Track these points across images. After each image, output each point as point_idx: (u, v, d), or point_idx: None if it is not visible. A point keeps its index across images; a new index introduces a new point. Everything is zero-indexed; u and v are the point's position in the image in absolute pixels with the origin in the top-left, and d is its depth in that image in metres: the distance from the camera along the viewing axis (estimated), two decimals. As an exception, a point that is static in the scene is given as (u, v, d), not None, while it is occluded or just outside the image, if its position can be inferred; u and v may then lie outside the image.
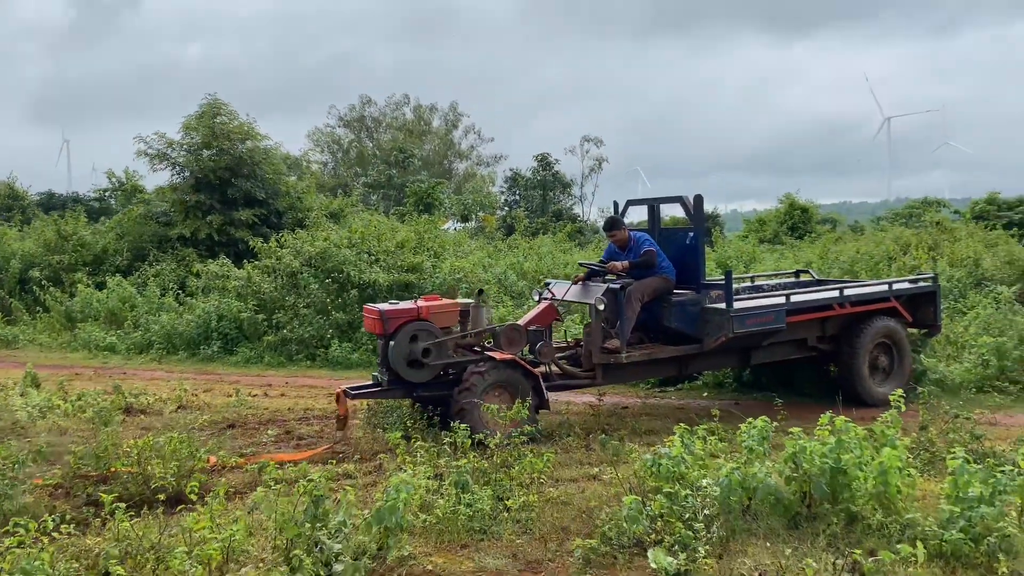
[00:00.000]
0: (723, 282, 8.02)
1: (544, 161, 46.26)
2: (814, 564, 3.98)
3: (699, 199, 8.18)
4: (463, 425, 6.01)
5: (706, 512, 4.59)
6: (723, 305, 7.85)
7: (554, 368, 7.87)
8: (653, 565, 4.11)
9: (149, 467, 5.85)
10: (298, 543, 4.25)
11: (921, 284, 9.28)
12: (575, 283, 8.31)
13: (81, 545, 4.59)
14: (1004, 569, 3.97)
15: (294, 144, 69.60)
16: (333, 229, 16.12)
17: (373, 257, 14.13)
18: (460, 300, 8.09)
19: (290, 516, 4.36)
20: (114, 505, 4.55)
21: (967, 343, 9.90)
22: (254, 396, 10.03)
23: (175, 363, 13.42)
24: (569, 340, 8.85)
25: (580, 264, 8.86)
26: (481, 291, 8.46)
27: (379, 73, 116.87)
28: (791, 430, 4.92)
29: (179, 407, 9.28)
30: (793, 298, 8.33)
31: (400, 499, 4.51)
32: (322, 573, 4.13)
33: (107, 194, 30.46)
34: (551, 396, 7.64)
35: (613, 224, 8.42)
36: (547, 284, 8.66)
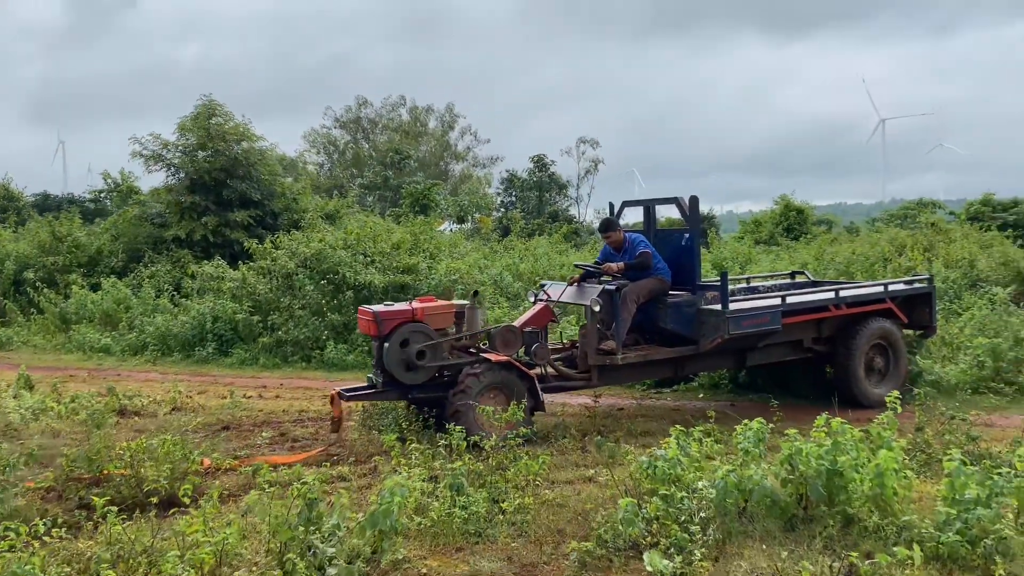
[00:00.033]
0: (719, 283, 8.01)
1: (540, 162, 46.29)
2: (810, 567, 3.96)
3: (694, 200, 8.17)
4: (458, 427, 5.99)
5: (702, 514, 4.58)
6: (719, 306, 7.84)
7: (550, 370, 7.85)
8: (649, 568, 4.08)
9: (142, 470, 5.82)
10: (291, 547, 4.22)
11: (916, 285, 9.29)
12: (571, 284, 8.30)
13: (73, 549, 4.56)
14: (1001, 572, 3.96)
15: (290, 145, 69.41)
16: (329, 230, 16.09)
17: (369, 258, 14.09)
18: (455, 301, 8.07)
19: (283, 519, 4.33)
20: (106, 508, 4.52)
21: (962, 344, 9.90)
22: (249, 398, 10.00)
23: (170, 365, 13.37)
24: (565, 341, 8.84)
25: (576, 265, 8.85)
26: (476, 292, 8.44)
27: (376, 74, 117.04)
28: (787, 432, 4.91)
29: (173, 409, 9.24)
30: (789, 299, 8.33)
31: (394, 502, 4.48)
32: (315, 577, 4.10)
33: (103, 195, 30.41)
34: (547, 398, 7.62)
35: (608, 226, 8.41)
36: (543, 285, 8.64)
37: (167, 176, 20.32)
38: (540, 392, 7.38)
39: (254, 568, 4.24)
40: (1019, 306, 11.40)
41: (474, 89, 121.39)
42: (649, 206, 8.88)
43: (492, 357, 7.32)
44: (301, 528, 4.31)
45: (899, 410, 5.22)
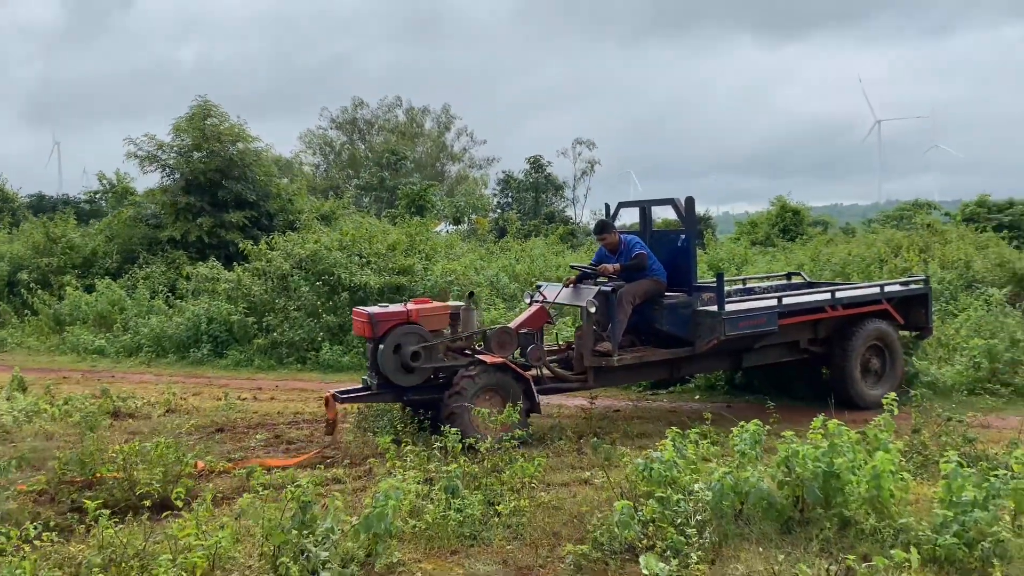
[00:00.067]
0: (715, 284, 8.00)
1: (536, 163, 46.32)
2: (807, 569, 3.94)
3: (690, 201, 8.16)
4: (453, 429, 5.97)
5: (698, 517, 4.56)
6: (715, 308, 7.83)
7: (545, 371, 7.83)
8: (645, 571, 4.06)
9: (135, 472, 5.78)
10: (285, 550, 4.19)
11: (912, 286, 9.29)
12: (566, 286, 8.28)
13: (64, 552, 4.53)
14: (998, 574, 3.95)
15: (286, 146, 69.36)
16: (324, 231, 16.07)
17: (364, 259, 14.07)
18: (451, 303, 8.04)
19: (277, 523, 4.30)
20: (98, 512, 4.49)
21: (959, 345, 9.91)
22: (243, 400, 9.96)
23: (164, 366, 13.33)
24: (560, 343, 8.82)
25: (571, 267, 8.84)
26: (471, 294, 8.41)
27: (373, 75, 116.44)
28: (783, 433, 4.89)
29: (167, 411, 9.21)
30: (785, 300, 8.32)
31: (389, 505, 4.45)
32: (309, 581, 4.07)
33: (98, 196, 30.35)
34: (542, 399, 7.60)
35: (603, 227, 8.39)
36: (538, 287, 8.62)
37: (162, 177, 20.28)
38: (536, 394, 7.36)
39: (247, 572, 4.22)
40: (1015, 307, 11.41)
41: (473, 89, 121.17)
42: (645, 207, 8.87)
43: (488, 359, 7.30)
44: (295, 531, 4.28)
45: (895, 412, 5.21)
